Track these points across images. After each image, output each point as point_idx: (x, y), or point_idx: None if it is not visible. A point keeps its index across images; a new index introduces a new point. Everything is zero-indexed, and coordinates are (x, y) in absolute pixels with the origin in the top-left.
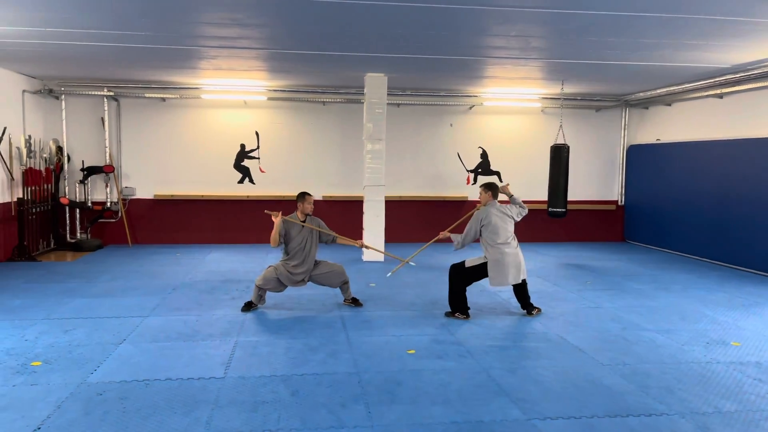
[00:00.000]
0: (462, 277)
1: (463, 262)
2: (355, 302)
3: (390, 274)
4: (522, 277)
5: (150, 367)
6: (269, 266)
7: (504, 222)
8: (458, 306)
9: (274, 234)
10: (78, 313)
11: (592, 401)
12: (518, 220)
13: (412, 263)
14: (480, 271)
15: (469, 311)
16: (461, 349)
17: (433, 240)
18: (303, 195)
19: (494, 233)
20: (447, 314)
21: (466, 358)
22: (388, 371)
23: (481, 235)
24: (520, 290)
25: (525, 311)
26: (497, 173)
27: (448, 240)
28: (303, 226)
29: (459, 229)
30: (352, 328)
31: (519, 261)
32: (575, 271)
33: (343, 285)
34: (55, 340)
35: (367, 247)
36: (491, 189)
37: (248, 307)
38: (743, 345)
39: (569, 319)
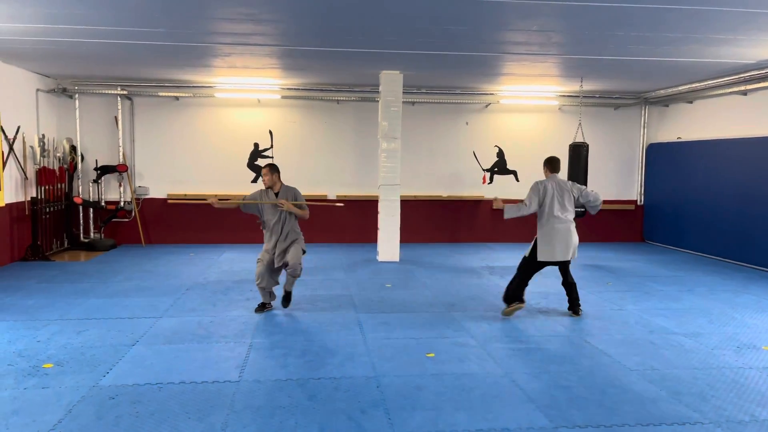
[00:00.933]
0: (531, 267)
1: (525, 257)
2: (286, 299)
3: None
4: (571, 256)
5: (163, 369)
6: (257, 261)
7: (561, 196)
8: (515, 294)
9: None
10: (91, 314)
11: (621, 408)
12: (585, 202)
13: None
14: (536, 258)
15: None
16: (483, 353)
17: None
18: (261, 168)
19: (549, 206)
20: (506, 312)
21: (488, 362)
22: (407, 375)
23: (539, 207)
24: (567, 281)
25: (571, 311)
26: (514, 172)
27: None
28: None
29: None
30: (369, 329)
31: (570, 238)
32: (595, 272)
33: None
34: (67, 341)
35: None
36: (551, 163)
37: (261, 308)
38: None
39: (592, 321)
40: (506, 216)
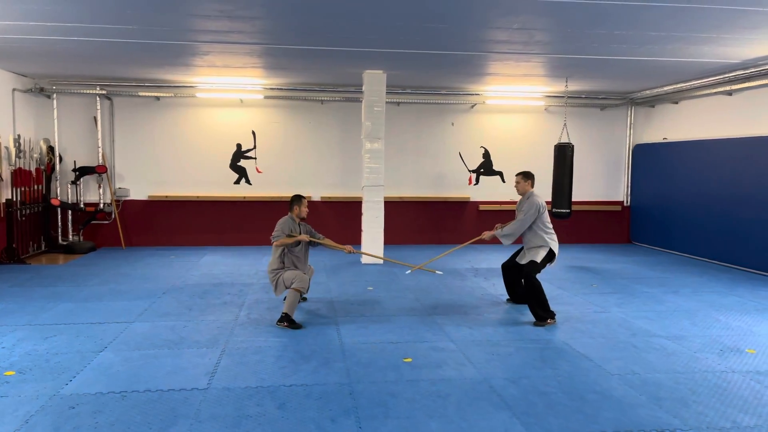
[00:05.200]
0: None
1: (535, 263)
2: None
3: (409, 271)
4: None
5: (129, 377)
6: (291, 290)
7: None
8: (548, 309)
9: (288, 242)
10: (61, 319)
11: (600, 415)
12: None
13: (439, 272)
14: (546, 262)
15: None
16: (461, 358)
17: (471, 241)
18: (300, 198)
19: (547, 219)
20: (538, 324)
21: (467, 367)
22: (382, 381)
23: (534, 223)
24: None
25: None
26: (500, 173)
27: (492, 240)
28: (300, 232)
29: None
30: (346, 334)
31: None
32: (580, 273)
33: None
34: (33, 347)
35: (358, 252)
36: (531, 178)
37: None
38: (759, 352)
39: (575, 324)
40: (507, 243)
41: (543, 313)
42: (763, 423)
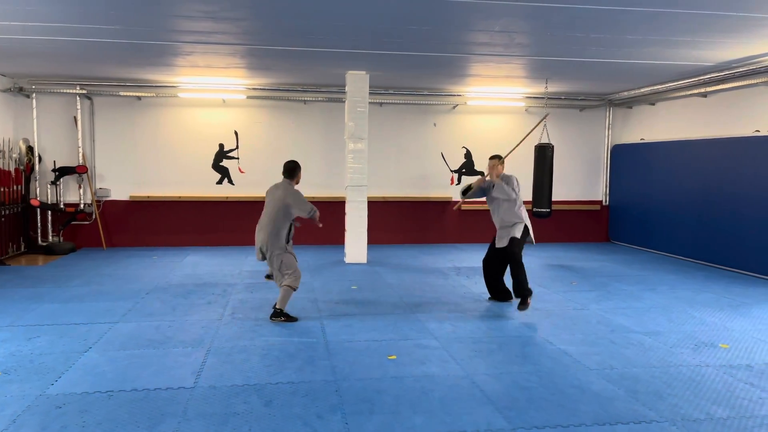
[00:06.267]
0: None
1: (516, 239)
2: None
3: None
4: None
5: (115, 377)
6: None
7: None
8: (527, 288)
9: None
10: (44, 320)
11: (580, 408)
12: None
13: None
14: (525, 236)
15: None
16: (445, 354)
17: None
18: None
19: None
20: (523, 307)
21: (450, 364)
22: (367, 378)
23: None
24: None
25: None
26: (482, 173)
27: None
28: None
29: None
30: (331, 333)
31: None
32: (560, 272)
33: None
34: (17, 348)
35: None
36: (503, 162)
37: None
38: (732, 347)
39: (555, 321)
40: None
41: (526, 291)
42: (735, 414)
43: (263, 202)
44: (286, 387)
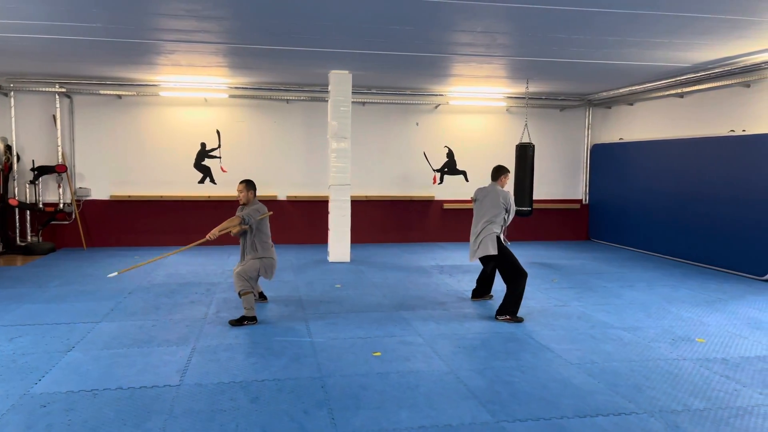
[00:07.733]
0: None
1: (511, 256)
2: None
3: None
4: None
5: (100, 375)
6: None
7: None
8: (518, 307)
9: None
10: (25, 320)
11: (561, 401)
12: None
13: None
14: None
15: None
16: (429, 351)
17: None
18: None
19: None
20: (502, 318)
21: (434, 360)
22: (353, 375)
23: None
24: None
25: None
26: (463, 172)
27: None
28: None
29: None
30: (316, 330)
31: None
32: (541, 270)
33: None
34: None
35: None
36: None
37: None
38: (708, 341)
39: (537, 318)
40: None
41: (516, 309)
42: (712, 406)
43: None
44: (272, 384)
